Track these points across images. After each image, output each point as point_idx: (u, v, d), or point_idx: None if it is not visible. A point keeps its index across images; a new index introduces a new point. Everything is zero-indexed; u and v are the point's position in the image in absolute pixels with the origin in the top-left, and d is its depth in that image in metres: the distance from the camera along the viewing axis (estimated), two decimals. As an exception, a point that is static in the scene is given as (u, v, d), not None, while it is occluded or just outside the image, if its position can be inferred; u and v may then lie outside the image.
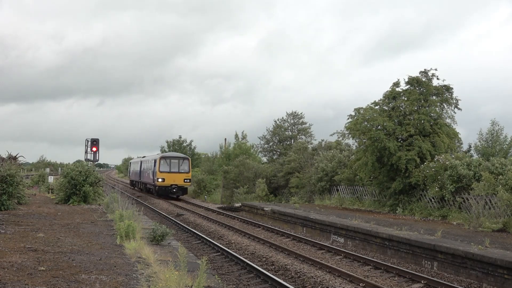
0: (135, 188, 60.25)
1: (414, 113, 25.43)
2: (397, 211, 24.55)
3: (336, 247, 17.91)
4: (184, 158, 44.90)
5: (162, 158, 43.73)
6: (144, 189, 52.67)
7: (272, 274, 13.30)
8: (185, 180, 43.75)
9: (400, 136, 25.37)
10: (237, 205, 35.60)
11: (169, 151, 73.29)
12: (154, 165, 44.49)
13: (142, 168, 53.22)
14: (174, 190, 43.02)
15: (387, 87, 27.98)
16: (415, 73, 27.25)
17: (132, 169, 64.06)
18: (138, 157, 62.68)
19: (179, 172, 43.29)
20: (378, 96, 27.47)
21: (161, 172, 42.79)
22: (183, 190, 44.17)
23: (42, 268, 10.34)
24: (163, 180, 42.86)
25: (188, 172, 43.80)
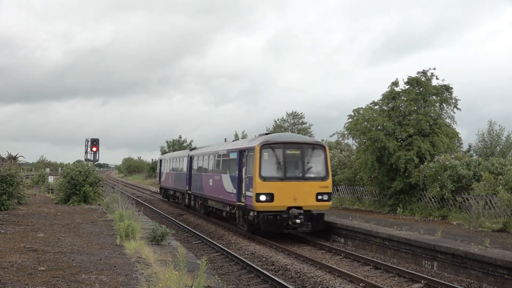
0: (172, 201, 38.06)
1: (413, 113, 25.42)
2: (397, 211, 24.55)
3: (336, 247, 17.91)
4: (314, 146, 19.97)
5: (266, 145, 19.22)
6: (202, 208, 28.09)
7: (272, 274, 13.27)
8: (320, 196, 19.42)
9: (400, 136, 25.38)
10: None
11: (169, 151, 73.04)
12: (241, 163, 20.58)
13: (195, 171, 29.39)
14: (299, 220, 18.68)
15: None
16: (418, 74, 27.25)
17: (168, 170, 39.15)
18: (180, 151, 41.54)
19: (304, 179, 19.38)
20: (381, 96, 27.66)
21: (264, 178, 18.82)
22: (316, 218, 19.34)
23: (42, 268, 10.34)
24: (270, 198, 18.79)
25: (325, 177, 19.65)
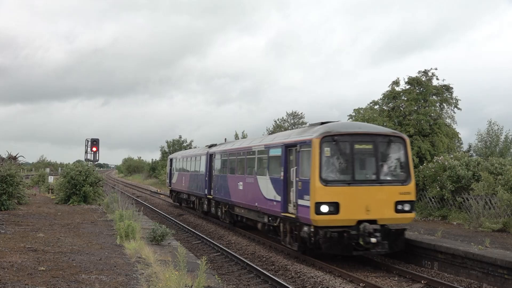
0: (186, 206, 33.42)
1: (413, 113, 25.45)
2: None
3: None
4: (391, 138, 14.96)
5: (328, 137, 14.27)
6: (226, 216, 23.39)
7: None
8: (400, 206, 14.53)
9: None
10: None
11: (169, 151, 72.96)
12: (288, 161, 16.02)
13: (217, 172, 24.54)
14: (374, 239, 13.76)
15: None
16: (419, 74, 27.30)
17: (180, 170, 33.80)
18: (196, 149, 35.13)
19: (379, 183, 14.50)
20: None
21: (327, 183, 13.98)
22: (395, 236, 14.50)
23: (42, 268, 10.34)
24: (334, 208, 13.90)
25: (406, 180, 14.75)
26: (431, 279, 12.78)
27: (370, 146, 14.61)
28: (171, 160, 38.01)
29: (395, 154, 14.91)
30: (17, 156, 36.10)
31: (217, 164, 24.62)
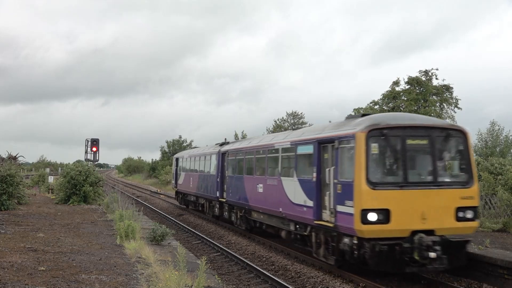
0: (193, 209, 30.88)
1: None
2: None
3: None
4: (449, 132, 12.61)
5: (375, 130, 12.03)
6: (242, 222, 21.05)
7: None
8: (461, 213, 12.19)
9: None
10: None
11: (169, 151, 73.01)
12: (322, 160, 13.85)
13: (232, 172, 22.21)
14: (433, 253, 11.47)
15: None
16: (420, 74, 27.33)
17: (188, 170, 31.51)
18: (205, 148, 29.78)
19: (437, 185, 12.19)
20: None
21: (375, 185, 11.74)
22: (456, 248, 12.06)
23: (42, 268, 10.34)
24: (384, 217, 11.66)
25: (467, 181, 12.42)
26: (431, 279, 12.77)
27: (425, 142, 12.38)
28: (176, 159, 35.61)
29: (455, 151, 12.75)
30: (17, 156, 36.13)
31: (231, 164, 22.21)
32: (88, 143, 31.29)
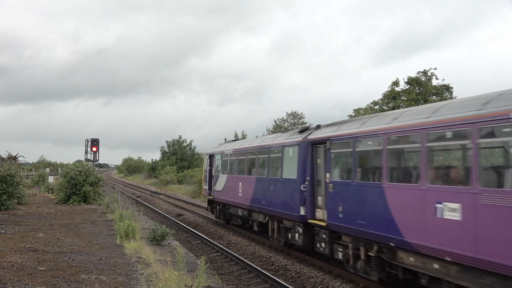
0: (237, 225, 22.68)
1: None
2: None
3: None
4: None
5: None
6: (364, 265, 11.97)
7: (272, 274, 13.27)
8: None
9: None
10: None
11: (169, 151, 73.11)
12: None
13: (346, 176, 12.78)
14: None
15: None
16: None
17: (232, 172, 22.18)
18: (270, 137, 19.93)
19: None
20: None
21: None
22: None
23: (42, 268, 10.35)
24: None
25: None
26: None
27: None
28: (210, 157, 26.19)
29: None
30: (17, 156, 36.11)
31: (341, 161, 13.40)
32: (88, 143, 31.30)
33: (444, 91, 26.81)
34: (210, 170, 25.83)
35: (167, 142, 73.99)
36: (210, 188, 25.58)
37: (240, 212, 21.04)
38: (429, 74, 26.78)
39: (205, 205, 28.57)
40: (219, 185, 23.60)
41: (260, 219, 18.64)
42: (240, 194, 20.36)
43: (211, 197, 25.22)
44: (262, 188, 17.84)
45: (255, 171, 18.80)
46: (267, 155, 17.64)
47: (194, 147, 72.92)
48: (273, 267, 14.89)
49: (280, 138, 17.18)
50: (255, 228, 19.60)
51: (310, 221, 14.46)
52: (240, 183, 20.39)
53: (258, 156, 18.57)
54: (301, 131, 16.17)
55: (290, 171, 15.71)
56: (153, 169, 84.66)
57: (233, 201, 21.25)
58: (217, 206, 24.64)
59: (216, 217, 25.28)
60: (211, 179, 25.63)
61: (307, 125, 16.16)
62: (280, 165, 16.52)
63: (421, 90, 26.42)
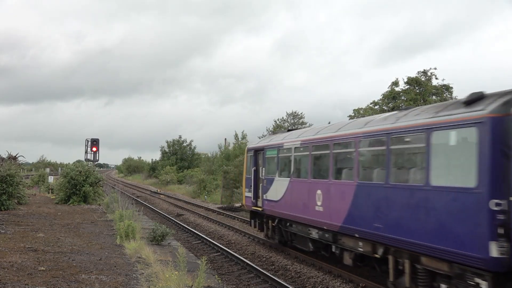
0: (308, 255, 15.43)
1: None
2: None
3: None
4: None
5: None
6: None
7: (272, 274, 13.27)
8: None
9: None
10: (237, 205, 35.59)
11: (169, 151, 73.12)
12: None
13: None
14: None
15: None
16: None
17: (295, 170, 15.52)
18: (392, 115, 11.50)
19: None
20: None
21: None
22: None
23: (42, 268, 10.35)
24: None
25: None
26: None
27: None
28: (256, 153, 19.02)
29: None
30: (17, 156, 36.11)
31: None
32: (88, 143, 31.30)
33: (444, 91, 26.82)
34: (256, 171, 18.83)
35: (167, 142, 74.10)
36: (256, 196, 18.74)
37: (315, 234, 14.33)
38: (429, 74, 26.80)
39: (205, 205, 28.17)
40: (275, 192, 16.90)
41: (361, 249, 11.93)
42: (318, 208, 13.79)
43: (260, 209, 18.26)
44: (372, 201, 11.21)
45: (352, 173, 12.16)
46: (384, 147, 10.85)
47: (194, 147, 73.03)
48: (273, 267, 14.89)
49: (421, 117, 9.83)
50: (348, 261, 12.78)
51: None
52: (320, 191, 13.83)
53: (361, 149, 11.97)
54: (471, 101, 8.66)
55: (454, 173, 9.08)
56: (153, 169, 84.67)
57: (302, 216, 14.84)
58: (269, 221, 17.97)
59: (267, 236, 18.44)
60: (257, 183, 18.71)
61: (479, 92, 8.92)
62: (426, 162, 9.37)
63: (421, 90, 26.44)
